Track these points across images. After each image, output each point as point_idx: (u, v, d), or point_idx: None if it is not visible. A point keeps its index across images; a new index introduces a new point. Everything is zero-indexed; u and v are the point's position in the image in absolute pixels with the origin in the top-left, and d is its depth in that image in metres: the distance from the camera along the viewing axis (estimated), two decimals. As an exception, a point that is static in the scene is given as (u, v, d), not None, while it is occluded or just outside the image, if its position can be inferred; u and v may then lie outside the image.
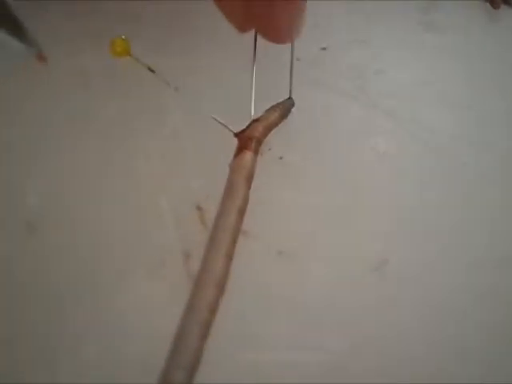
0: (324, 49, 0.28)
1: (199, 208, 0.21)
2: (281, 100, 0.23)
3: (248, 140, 0.20)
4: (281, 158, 0.23)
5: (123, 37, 0.22)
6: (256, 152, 0.20)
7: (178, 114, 0.24)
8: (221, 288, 0.16)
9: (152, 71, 0.21)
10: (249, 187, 0.19)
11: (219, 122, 0.22)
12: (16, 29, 0.16)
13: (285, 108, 0.23)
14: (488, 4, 0.32)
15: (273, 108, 0.23)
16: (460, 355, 0.19)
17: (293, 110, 0.24)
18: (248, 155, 0.20)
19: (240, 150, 0.20)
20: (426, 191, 0.23)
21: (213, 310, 0.16)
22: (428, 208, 0.22)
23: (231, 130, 0.21)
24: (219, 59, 0.26)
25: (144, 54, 0.24)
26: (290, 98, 0.24)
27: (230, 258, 0.17)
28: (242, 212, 0.18)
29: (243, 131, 0.21)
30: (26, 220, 0.21)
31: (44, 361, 0.18)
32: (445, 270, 0.21)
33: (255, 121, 0.21)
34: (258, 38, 0.21)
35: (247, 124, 0.21)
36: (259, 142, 0.21)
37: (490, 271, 0.21)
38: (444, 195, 0.23)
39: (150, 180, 0.22)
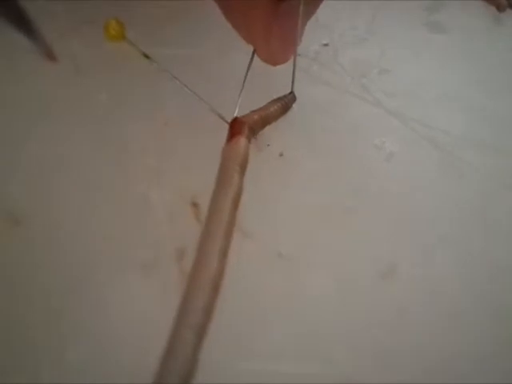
0: (326, 45, 0.27)
1: (194, 204, 0.20)
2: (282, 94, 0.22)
3: (240, 125, 0.19)
4: (281, 154, 0.22)
5: (118, 19, 0.21)
6: (249, 138, 0.19)
7: (173, 104, 0.23)
8: (216, 288, 0.15)
9: (147, 57, 0.20)
10: (243, 175, 0.17)
11: (215, 113, 0.21)
12: (24, 25, 0.15)
13: (286, 102, 0.22)
14: (493, 7, 0.32)
15: (273, 101, 0.22)
16: (476, 366, 0.18)
17: (294, 105, 0.23)
18: (241, 141, 0.18)
19: (232, 135, 0.19)
20: (434, 192, 0.22)
21: (208, 313, 0.14)
22: (437, 211, 0.21)
23: (227, 122, 0.20)
24: (217, 49, 0.25)
25: (138, 42, 0.23)
26: (291, 92, 0.23)
27: (224, 254, 0.15)
28: (236, 203, 0.17)
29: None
30: (9, 212, 0.20)
31: (26, 363, 0.17)
32: (457, 276, 0.19)
33: (253, 111, 0.20)
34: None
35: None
36: (252, 130, 0.20)
37: (506, 276, 0.20)
38: (453, 197, 0.22)
39: (143, 173, 0.21)
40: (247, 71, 0.21)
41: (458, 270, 0.20)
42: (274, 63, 0.21)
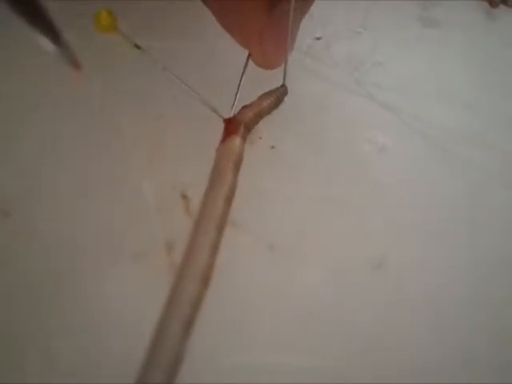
0: (319, 38, 0.27)
1: (184, 196, 0.20)
2: (274, 87, 0.22)
3: (236, 125, 0.19)
4: (272, 147, 0.22)
5: (109, 10, 0.21)
6: (244, 138, 0.19)
7: (166, 97, 0.23)
8: (205, 281, 0.15)
9: (138, 48, 0.20)
10: (237, 174, 0.18)
11: (208, 107, 0.20)
12: (52, 35, 0.15)
13: (278, 96, 0.22)
14: (486, 2, 0.32)
15: (265, 95, 0.21)
16: (465, 359, 0.18)
17: (286, 98, 0.23)
18: (236, 140, 0.18)
19: (227, 134, 0.19)
20: (425, 186, 0.22)
21: (196, 306, 0.14)
22: (428, 204, 0.21)
23: (220, 116, 0.20)
24: (212, 42, 0.25)
25: (132, 35, 0.23)
26: (283, 85, 0.22)
27: (215, 249, 0.15)
28: (229, 200, 0.17)
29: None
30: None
31: (13, 358, 0.17)
32: (448, 268, 0.19)
33: (245, 107, 0.20)
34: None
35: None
36: (248, 128, 0.20)
37: (495, 271, 0.20)
38: (445, 191, 0.22)
39: (133, 165, 0.21)
40: (242, 75, 0.21)
41: (449, 262, 0.20)
42: (268, 67, 0.21)
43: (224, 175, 0.17)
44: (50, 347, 0.17)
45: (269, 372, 0.17)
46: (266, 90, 0.22)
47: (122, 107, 0.23)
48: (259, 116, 0.21)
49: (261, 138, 0.22)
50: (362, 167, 0.22)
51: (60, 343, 0.17)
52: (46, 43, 0.15)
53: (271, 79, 0.22)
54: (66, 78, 0.23)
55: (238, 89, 0.20)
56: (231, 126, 0.19)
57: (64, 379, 0.17)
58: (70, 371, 0.17)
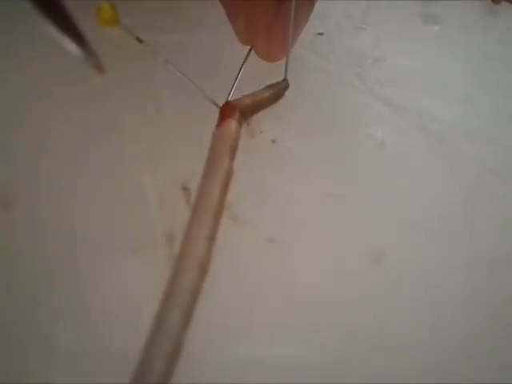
0: (321, 34, 0.27)
1: (185, 188, 0.20)
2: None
3: (231, 109, 0.19)
4: (273, 141, 0.22)
5: (111, 3, 0.21)
6: (240, 123, 0.19)
7: (166, 90, 0.23)
8: (203, 271, 0.15)
9: (140, 41, 0.20)
10: (233, 158, 0.17)
11: (208, 98, 0.21)
12: (77, 38, 0.15)
13: (278, 89, 0.22)
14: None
15: (266, 87, 0.22)
16: (462, 354, 0.18)
17: (287, 92, 0.23)
18: (232, 124, 0.18)
19: (222, 118, 0.19)
20: (425, 181, 0.22)
21: (194, 295, 0.14)
22: (428, 199, 0.21)
23: (219, 107, 0.20)
24: (212, 35, 0.25)
25: (133, 29, 0.23)
26: (284, 79, 0.22)
27: (212, 237, 0.15)
28: (225, 186, 0.17)
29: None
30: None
31: (12, 349, 0.17)
32: (447, 263, 0.20)
33: (244, 95, 0.20)
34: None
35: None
36: (244, 115, 0.19)
37: (495, 268, 0.20)
38: (444, 185, 0.22)
39: (134, 158, 0.21)
40: (242, 64, 0.21)
41: (447, 256, 0.20)
42: (271, 61, 0.21)
43: (220, 161, 0.17)
44: (49, 344, 0.17)
45: (267, 363, 0.17)
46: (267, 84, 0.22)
47: (122, 100, 0.23)
48: (257, 106, 0.21)
49: (262, 132, 0.22)
50: (362, 162, 0.22)
51: (59, 337, 0.17)
52: (71, 46, 0.15)
53: (273, 74, 0.22)
54: (66, 74, 0.23)
55: (236, 77, 0.20)
56: (226, 110, 0.19)
57: (64, 377, 0.17)
58: (69, 368, 0.17)
